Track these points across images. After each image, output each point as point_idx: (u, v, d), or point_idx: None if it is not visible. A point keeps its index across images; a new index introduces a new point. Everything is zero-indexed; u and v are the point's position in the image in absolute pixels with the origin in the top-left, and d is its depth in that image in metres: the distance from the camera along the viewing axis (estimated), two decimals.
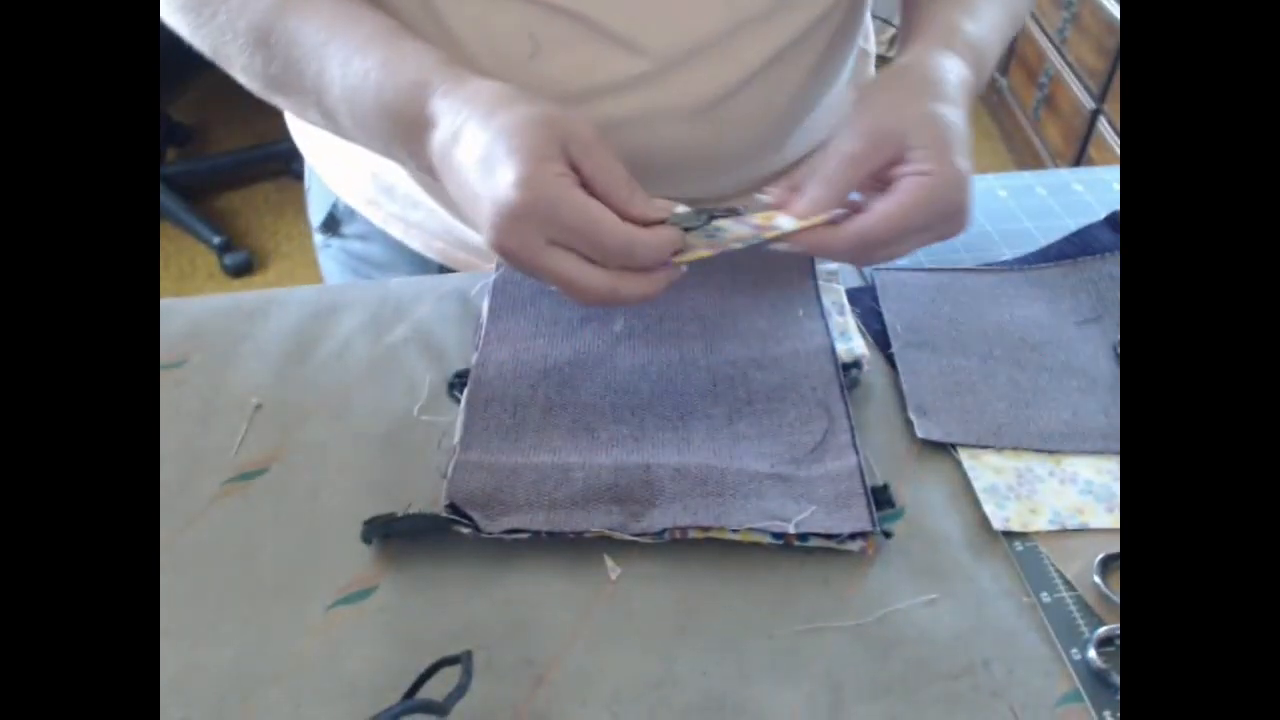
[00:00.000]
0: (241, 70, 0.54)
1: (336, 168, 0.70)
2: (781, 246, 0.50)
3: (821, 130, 0.68)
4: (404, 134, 0.49)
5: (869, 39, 0.71)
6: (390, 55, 0.49)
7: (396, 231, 0.68)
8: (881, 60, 0.70)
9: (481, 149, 0.45)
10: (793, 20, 0.57)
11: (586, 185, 0.45)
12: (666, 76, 0.55)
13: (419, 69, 0.49)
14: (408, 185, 0.65)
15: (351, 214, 0.71)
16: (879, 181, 0.50)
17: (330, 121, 0.53)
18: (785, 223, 0.49)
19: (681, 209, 0.48)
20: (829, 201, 0.49)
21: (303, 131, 0.71)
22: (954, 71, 0.52)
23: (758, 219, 0.50)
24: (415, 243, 0.68)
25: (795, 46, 0.58)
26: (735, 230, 0.49)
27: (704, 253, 0.48)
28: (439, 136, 0.47)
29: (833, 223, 0.49)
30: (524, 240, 0.44)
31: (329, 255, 0.76)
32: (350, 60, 0.49)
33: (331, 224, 0.74)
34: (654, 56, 0.54)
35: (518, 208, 0.43)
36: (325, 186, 0.72)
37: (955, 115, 0.50)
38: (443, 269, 0.68)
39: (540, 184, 0.43)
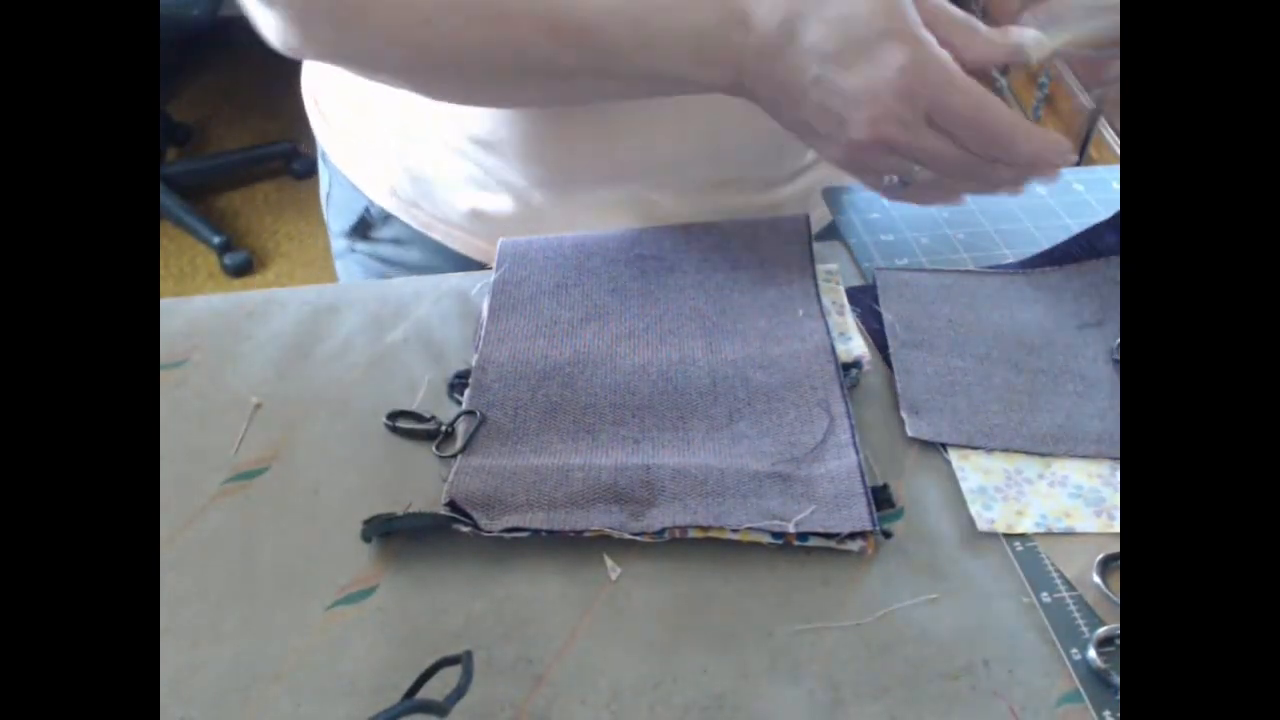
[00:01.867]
0: (451, 52, 0.49)
1: (370, 171, 0.69)
2: None
3: None
4: (714, 34, 0.45)
5: None
6: None
7: (438, 234, 0.67)
8: None
9: (840, 34, 0.42)
10: None
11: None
12: None
13: None
14: (446, 189, 0.65)
15: (386, 218, 0.70)
16: None
17: (567, 46, 0.47)
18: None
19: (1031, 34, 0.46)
20: None
21: (332, 136, 0.70)
22: None
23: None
24: (457, 244, 0.67)
25: None
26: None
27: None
28: (764, 29, 0.44)
29: None
30: (907, 122, 0.42)
31: (353, 261, 0.74)
32: None
33: (361, 229, 0.72)
34: None
35: (909, 87, 0.41)
36: (354, 190, 0.70)
37: None
38: (484, 268, 0.68)
39: (925, 68, 0.41)
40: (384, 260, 0.72)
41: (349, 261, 0.75)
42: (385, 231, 0.71)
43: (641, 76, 0.49)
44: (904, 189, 0.44)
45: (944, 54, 0.42)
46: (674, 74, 0.48)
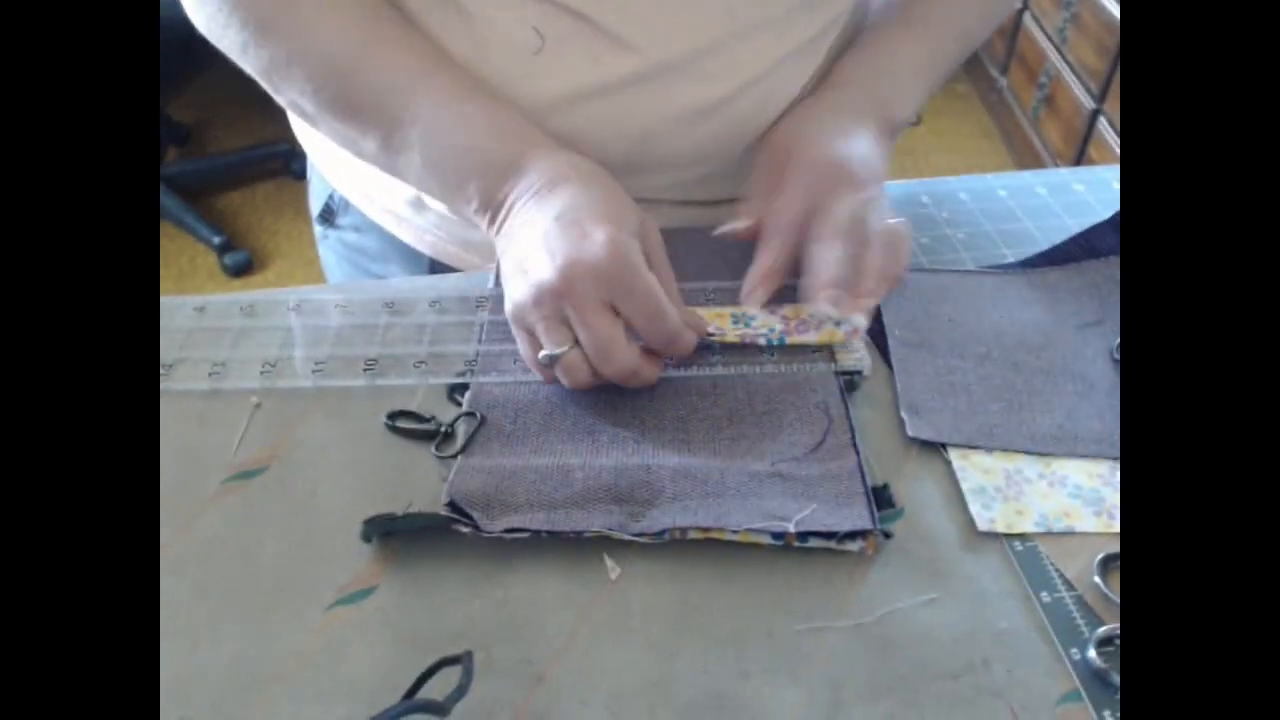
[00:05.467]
0: (299, 92, 0.55)
1: (333, 160, 0.70)
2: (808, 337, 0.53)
3: None
4: (488, 173, 0.52)
5: None
6: (494, 105, 0.54)
7: (389, 225, 0.69)
8: None
9: (574, 205, 0.49)
10: (795, 32, 0.57)
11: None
12: (665, 78, 0.55)
13: (524, 124, 0.54)
14: (391, 179, 0.65)
15: (346, 206, 0.72)
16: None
17: (390, 154, 0.55)
18: (819, 313, 0.52)
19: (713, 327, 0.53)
20: (780, 265, 0.54)
21: (302, 124, 0.71)
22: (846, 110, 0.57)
23: (786, 310, 0.54)
24: (407, 236, 0.68)
25: (797, 54, 0.58)
26: (765, 319, 0.54)
27: (731, 338, 0.53)
28: (529, 182, 0.51)
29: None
30: (588, 291, 0.46)
31: (327, 246, 0.77)
32: (446, 99, 0.53)
33: (328, 215, 0.75)
34: (652, 58, 0.55)
35: (602, 263, 0.46)
36: (323, 178, 0.73)
37: (849, 146, 0.55)
38: (434, 263, 0.69)
39: (628, 251, 0.47)
40: (349, 247, 0.74)
41: (324, 247, 0.78)
42: (347, 219, 0.73)
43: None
44: (550, 362, 0.48)
45: (643, 258, 0.48)
46: (448, 191, 0.55)
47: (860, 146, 0.55)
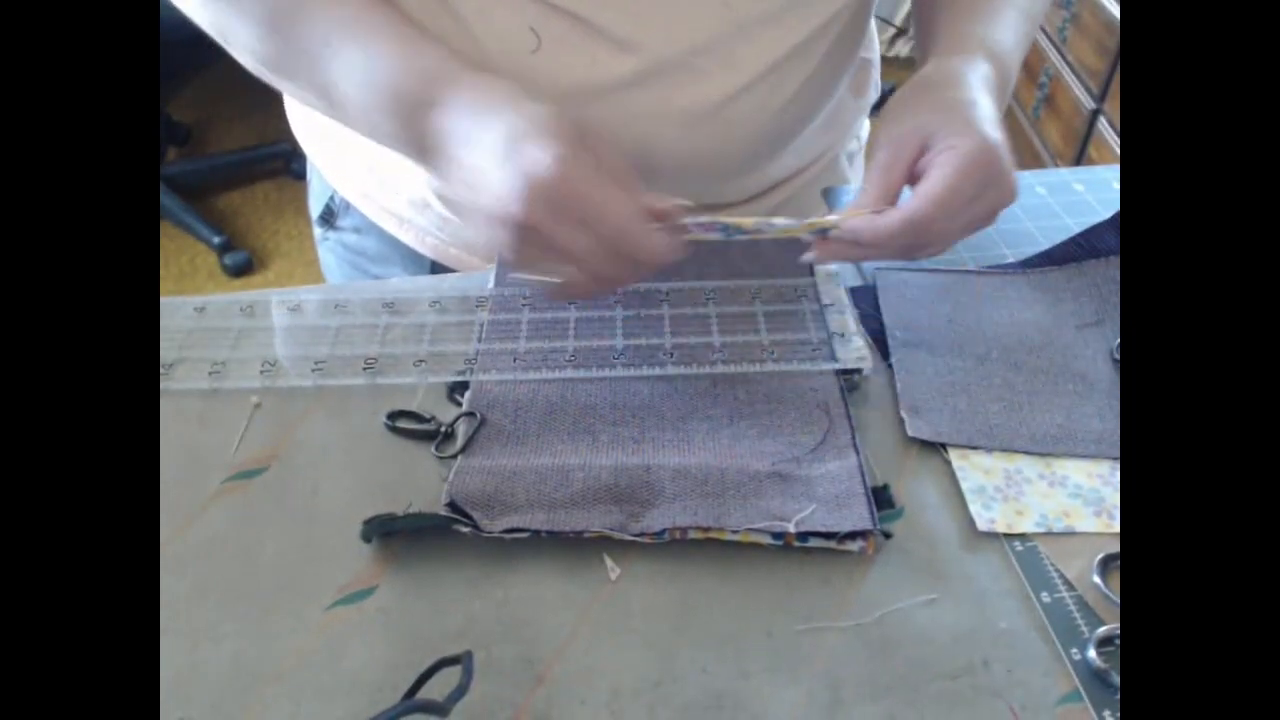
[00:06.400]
0: (246, 51, 0.54)
1: (334, 160, 0.70)
2: (826, 249, 0.50)
3: (821, 141, 0.68)
4: (411, 112, 0.50)
5: (872, 48, 0.70)
6: (409, 42, 0.51)
7: (390, 226, 0.69)
8: (885, 61, 0.70)
9: (509, 129, 0.46)
10: (793, 28, 0.57)
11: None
12: (663, 79, 0.55)
13: (438, 55, 0.50)
14: (402, 180, 0.65)
15: (347, 207, 0.71)
16: (917, 179, 0.50)
17: (334, 106, 0.53)
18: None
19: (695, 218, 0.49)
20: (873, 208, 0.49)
21: (303, 125, 0.71)
22: (972, 69, 0.53)
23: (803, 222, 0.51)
24: (408, 237, 0.68)
25: (795, 54, 0.58)
26: (781, 223, 0.50)
27: (714, 237, 0.49)
28: (452, 115, 0.48)
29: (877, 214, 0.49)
30: (547, 213, 0.44)
31: (326, 248, 0.76)
32: (369, 46, 0.51)
33: (328, 216, 0.74)
34: (650, 58, 0.54)
35: (551, 182, 0.44)
36: (324, 179, 0.72)
37: (976, 96, 0.50)
38: (435, 265, 0.68)
39: (576, 164, 0.44)
40: (349, 249, 0.74)
41: (324, 249, 0.77)
42: (347, 220, 0.73)
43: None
44: (556, 287, 0.47)
45: (594, 166, 0.45)
46: (389, 136, 0.53)
47: (983, 100, 0.52)
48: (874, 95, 0.72)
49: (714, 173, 0.62)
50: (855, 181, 0.73)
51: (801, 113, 0.62)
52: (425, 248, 0.68)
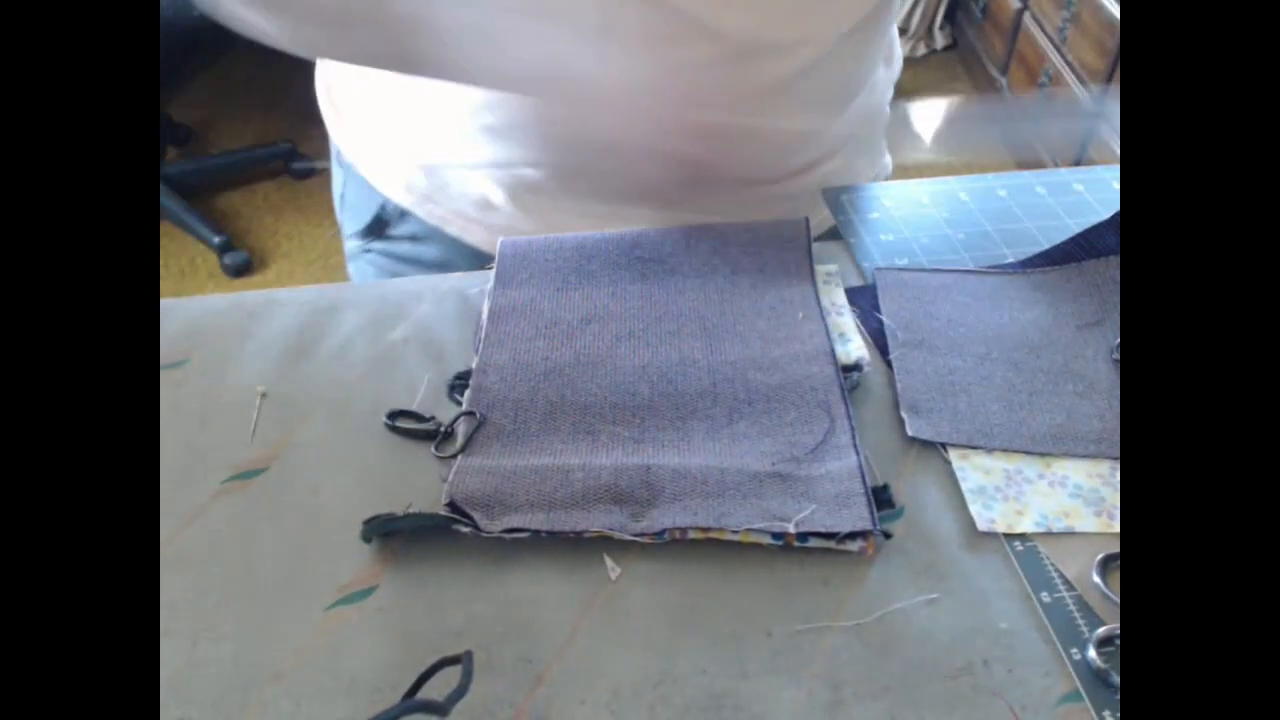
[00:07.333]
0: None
1: (385, 167, 0.68)
2: None
3: (867, 107, 0.68)
4: None
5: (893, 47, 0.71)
6: None
7: (454, 229, 0.67)
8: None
9: None
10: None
11: None
12: (742, 58, 0.55)
13: None
14: (468, 180, 0.64)
15: (402, 215, 0.69)
16: None
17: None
18: None
19: None
20: None
21: (346, 131, 0.70)
22: None
23: None
24: (475, 238, 0.67)
25: (863, 24, 0.59)
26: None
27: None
28: None
29: None
30: None
31: (365, 262, 0.74)
32: None
33: (377, 227, 0.72)
34: (733, 41, 0.54)
35: None
36: (369, 189, 0.70)
37: None
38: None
39: None
40: (399, 258, 0.72)
41: (362, 263, 0.74)
42: (402, 229, 0.70)
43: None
44: None
45: None
46: None
47: None
48: (899, 67, 0.73)
49: (777, 149, 0.62)
50: (885, 156, 0.74)
51: (859, 82, 0.63)
52: (492, 247, 0.67)
